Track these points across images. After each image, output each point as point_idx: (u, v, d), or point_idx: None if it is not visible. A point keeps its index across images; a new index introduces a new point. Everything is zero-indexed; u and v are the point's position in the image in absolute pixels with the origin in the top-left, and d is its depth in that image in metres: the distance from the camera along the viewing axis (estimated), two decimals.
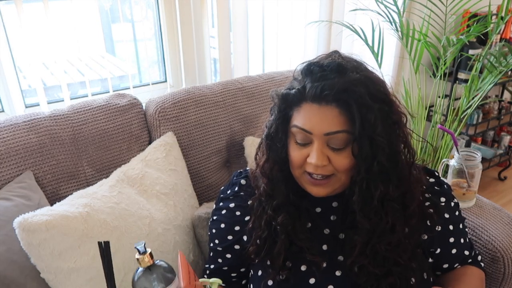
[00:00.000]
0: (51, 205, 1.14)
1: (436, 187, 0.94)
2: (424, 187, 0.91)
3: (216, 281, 0.82)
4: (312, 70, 0.80)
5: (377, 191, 0.79)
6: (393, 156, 0.80)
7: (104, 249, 0.77)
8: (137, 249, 0.74)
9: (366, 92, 0.76)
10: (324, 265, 0.85)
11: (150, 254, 0.75)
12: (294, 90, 0.81)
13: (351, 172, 0.81)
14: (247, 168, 1.03)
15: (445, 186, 0.96)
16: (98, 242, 0.77)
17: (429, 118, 2.47)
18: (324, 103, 0.77)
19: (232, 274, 0.99)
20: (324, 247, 0.87)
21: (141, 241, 0.75)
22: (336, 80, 0.76)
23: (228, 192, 1.00)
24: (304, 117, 0.79)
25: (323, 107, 0.77)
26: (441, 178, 0.99)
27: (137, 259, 0.74)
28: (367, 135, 0.76)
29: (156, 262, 0.76)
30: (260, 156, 0.90)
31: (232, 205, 0.96)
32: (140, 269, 0.75)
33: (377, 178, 0.79)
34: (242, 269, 0.97)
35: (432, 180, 0.96)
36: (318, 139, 0.78)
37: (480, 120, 2.66)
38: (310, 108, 0.78)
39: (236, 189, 0.99)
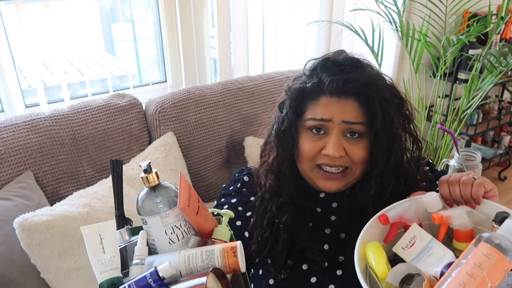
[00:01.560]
0: (51, 205, 1.14)
1: (430, 173, 0.95)
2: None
3: (228, 213, 0.77)
4: (328, 65, 0.81)
5: (390, 185, 0.81)
6: (402, 150, 0.83)
7: (115, 167, 0.76)
8: (140, 166, 0.69)
9: (385, 86, 0.79)
10: (326, 264, 0.85)
11: (156, 174, 0.70)
12: (309, 84, 0.81)
13: (365, 164, 0.81)
14: (249, 166, 1.02)
15: (438, 170, 0.97)
16: (110, 160, 0.76)
17: (429, 118, 2.47)
18: (343, 97, 0.78)
19: None
20: (326, 246, 0.87)
21: (147, 161, 0.71)
22: (359, 74, 0.78)
23: (231, 188, 0.99)
24: (322, 109, 0.79)
25: (342, 101, 0.78)
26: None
27: (142, 178, 0.70)
28: (387, 128, 0.78)
29: (162, 183, 0.71)
30: (268, 153, 0.90)
31: (234, 200, 0.96)
32: (145, 190, 0.71)
33: (391, 172, 0.81)
34: None
35: (427, 167, 0.96)
36: (336, 127, 0.78)
37: (480, 120, 2.66)
38: (328, 101, 0.79)
39: (239, 185, 0.98)
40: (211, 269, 0.62)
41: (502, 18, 1.95)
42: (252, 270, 0.91)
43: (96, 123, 1.34)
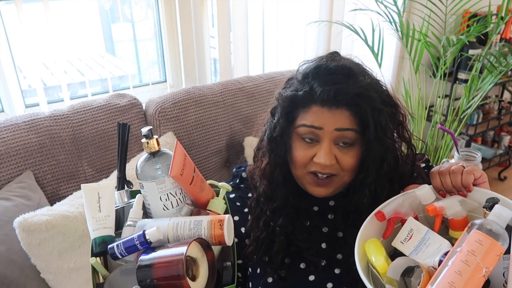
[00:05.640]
0: (51, 205, 1.15)
1: (426, 170, 0.95)
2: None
3: (226, 186, 0.79)
4: (320, 73, 0.80)
5: (384, 191, 0.81)
6: (396, 156, 0.83)
7: (122, 130, 0.77)
8: (141, 131, 0.70)
9: (378, 96, 0.79)
10: (323, 263, 0.85)
11: (157, 140, 0.71)
12: (301, 92, 0.80)
13: (354, 172, 0.81)
14: (247, 164, 1.03)
15: (434, 166, 0.97)
16: (118, 123, 0.78)
17: (429, 118, 2.47)
18: (334, 107, 0.78)
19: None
20: (323, 245, 0.87)
21: (148, 126, 0.72)
22: (350, 85, 0.77)
23: (230, 183, 1.00)
24: (313, 117, 0.79)
25: (334, 110, 0.78)
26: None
27: (142, 143, 0.71)
28: (379, 137, 0.78)
29: (162, 150, 0.72)
30: (261, 158, 0.90)
31: (232, 196, 0.97)
32: (145, 155, 0.72)
33: (384, 179, 0.81)
34: (239, 261, 0.97)
35: (423, 165, 0.96)
36: (327, 135, 0.78)
37: (480, 120, 2.66)
38: (320, 110, 0.78)
39: (238, 181, 0.99)
40: (194, 238, 0.63)
41: (502, 18, 1.95)
42: (250, 269, 0.91)
43: (96, 123, 1.34)
